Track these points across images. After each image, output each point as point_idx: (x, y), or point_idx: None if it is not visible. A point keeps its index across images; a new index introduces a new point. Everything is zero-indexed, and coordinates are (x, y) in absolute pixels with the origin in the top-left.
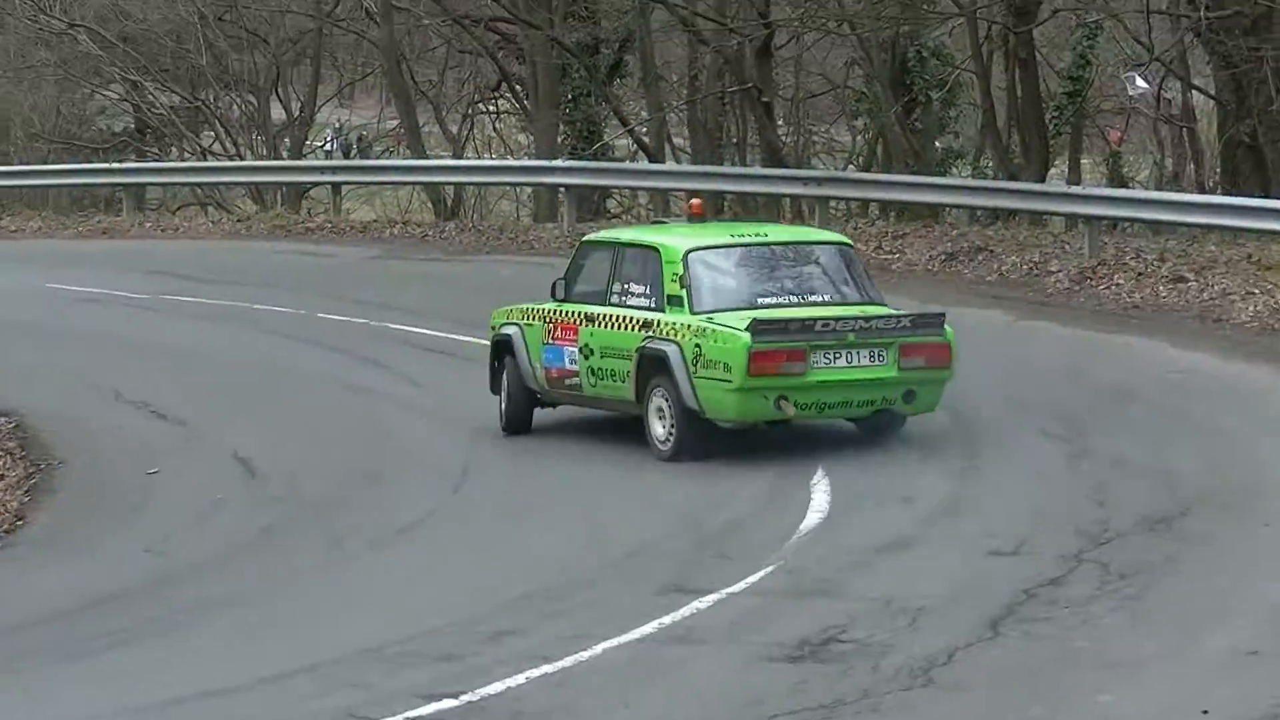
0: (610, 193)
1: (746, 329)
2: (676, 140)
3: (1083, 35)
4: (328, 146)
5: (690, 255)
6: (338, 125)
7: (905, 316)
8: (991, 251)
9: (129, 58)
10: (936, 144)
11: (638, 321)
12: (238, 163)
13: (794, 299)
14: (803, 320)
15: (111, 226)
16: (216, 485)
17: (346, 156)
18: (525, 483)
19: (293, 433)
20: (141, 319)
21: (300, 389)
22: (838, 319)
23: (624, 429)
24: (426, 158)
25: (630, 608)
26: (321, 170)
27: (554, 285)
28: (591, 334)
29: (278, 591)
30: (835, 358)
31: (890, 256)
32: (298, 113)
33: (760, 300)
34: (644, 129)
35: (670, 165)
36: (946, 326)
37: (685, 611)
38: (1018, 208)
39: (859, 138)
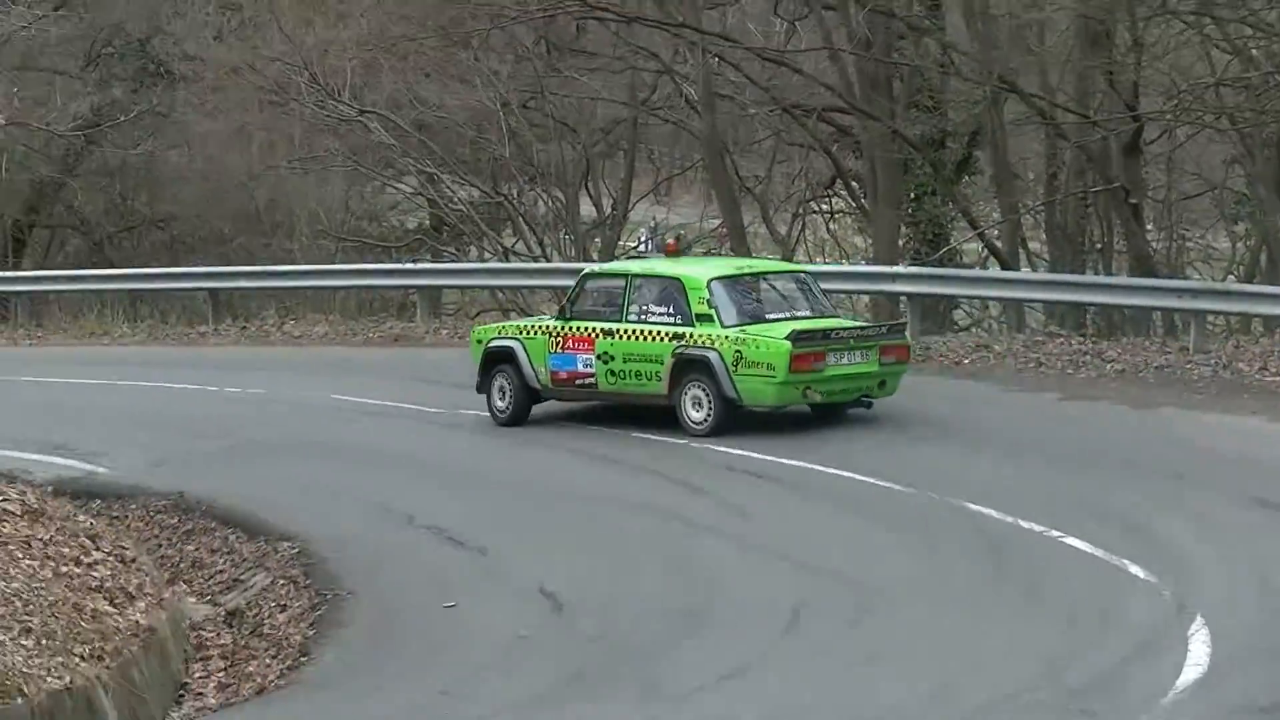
0: (958, 303)
1: (787, 338)
2: (1033, 245)
3: None
4: (643, 247)
5: (712, 283)
6: (654, 224)
7: (884, 326)
8: None
9: (424, 148)
10: None
11: (668, 334)
12: (543, 264)
13: (786, 314)
14: (824, 330)
15: (404, 333)
16: (520, 621)
17: None
18: (866, 626)
19: (603, 563)
20: (436, 435)
21: (610, 515)
22: (845, 328)
23: (993, 560)
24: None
25: None
26: None
27: (561, 309)
28: (611, 344)
29: None
30: (842, 357)
31: (1278, 379)
32: (610, 210)
33: (767, 315)
34: (996, 232)
35: (1025, 273)
36: (906, 333)
37: None
38: None
39: (1239, 245)
